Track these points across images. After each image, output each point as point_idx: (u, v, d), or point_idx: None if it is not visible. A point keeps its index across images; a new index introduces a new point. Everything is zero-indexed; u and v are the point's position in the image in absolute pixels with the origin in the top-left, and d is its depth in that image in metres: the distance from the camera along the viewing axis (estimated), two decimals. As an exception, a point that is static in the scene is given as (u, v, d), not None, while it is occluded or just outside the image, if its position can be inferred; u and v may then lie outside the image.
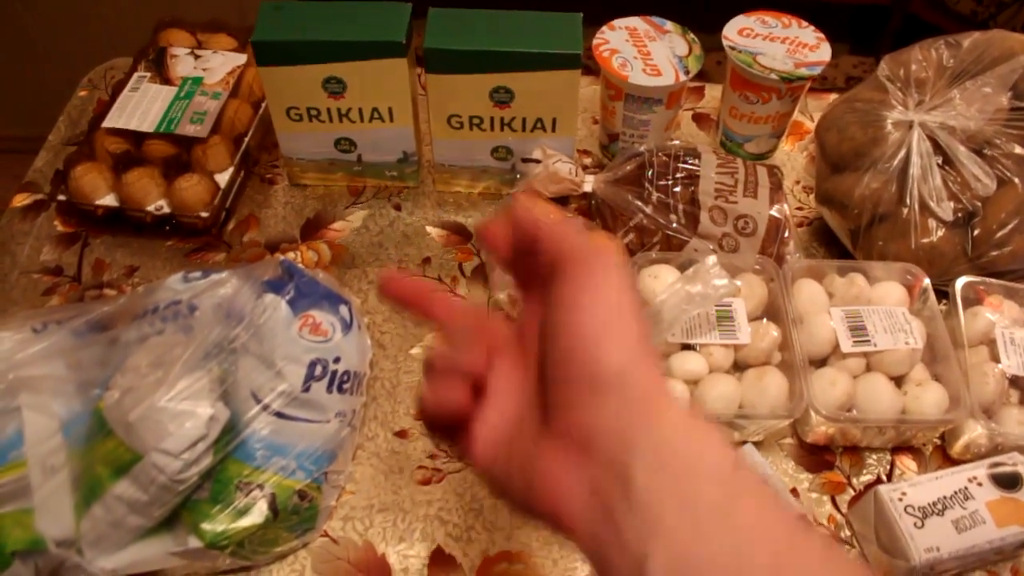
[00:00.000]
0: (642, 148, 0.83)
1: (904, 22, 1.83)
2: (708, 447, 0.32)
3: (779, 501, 0.31)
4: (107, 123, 0.86)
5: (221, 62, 0.91)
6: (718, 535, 0.30)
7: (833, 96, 1.03)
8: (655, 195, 0.80)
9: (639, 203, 0.80)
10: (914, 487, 0.66)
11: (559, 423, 0.35)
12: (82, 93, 1.01)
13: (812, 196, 0.92)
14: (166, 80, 0.90)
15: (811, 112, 1.01)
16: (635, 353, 0.33)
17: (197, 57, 0.92)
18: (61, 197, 0.84)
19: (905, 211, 0.79)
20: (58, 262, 0.85)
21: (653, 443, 0.32)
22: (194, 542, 0.64)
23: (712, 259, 0.69)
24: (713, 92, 1.02)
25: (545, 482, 0.35)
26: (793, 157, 0.97)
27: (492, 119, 0.81)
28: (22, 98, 2.04)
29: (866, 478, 0.73)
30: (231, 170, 0.86)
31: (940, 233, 0.79)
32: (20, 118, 2.03)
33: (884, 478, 0.73)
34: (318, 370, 0.67)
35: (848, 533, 0.70)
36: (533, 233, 0.37)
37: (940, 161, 0.79)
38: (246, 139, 0.88)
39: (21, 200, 0.90)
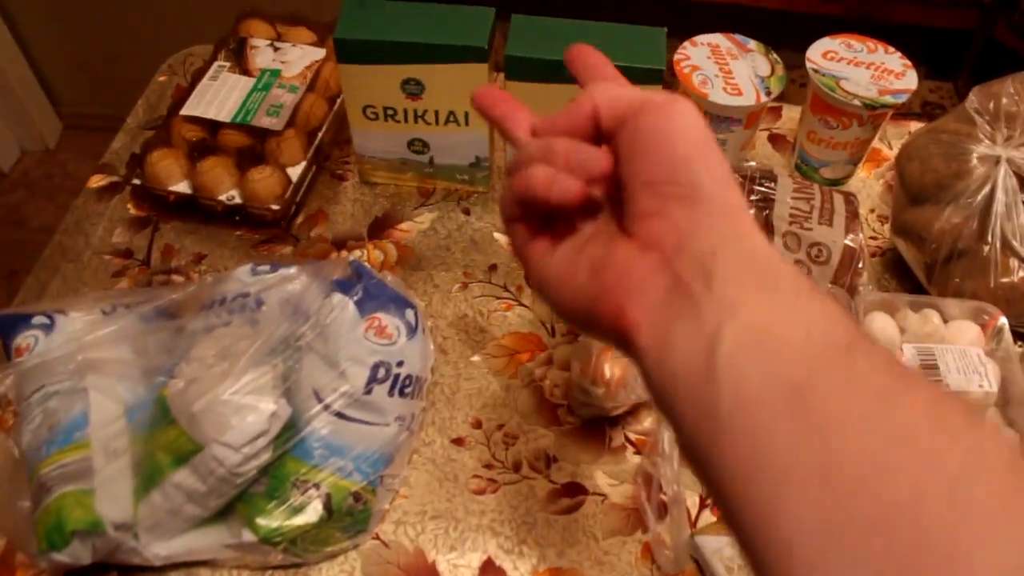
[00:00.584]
0: (717, 167, 0.82)
1: (985, 47, 1.79)
2: (786, 264, 0.35)
3: (847, 313, 0.33)
4: (185, 110, 0.87)
5: (299, 55, 0.92)
6: (793, 316, 0.32)
7: (912, 123, 1.01)
8: (728, 216, 0.78)
9: (711, 223, 0.78)
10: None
11: (647, 229, 0.37)
12: (161, 78, 1.02)
13: (887, 226, 0.90)
14: (245, 71, 0.90)
15: (889, 139, 0.99)
16: (723, 177, 0.36)
17: (276, 49, 0.92)
18: (136, 181, 0.85)
19: (986, 249, 0.77)
20: (129, 245, 0.86)
21: (739, 250, 0.35)
22: (248, 536, 0.64)
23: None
24: (791, 113, 1.00)
25: (619, 280, 0.37)
26: (869, 184, 0.95)
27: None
28: (101, 79, 2.08)
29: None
30: (303, 164, 0.86)
31: (1021, 274, 0.77)
32: (99, 98, 2.08)
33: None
34: (381, 373, 0.67)
35: None
36: (589, 112, 0.39)
37: (1026, 199, 0.76)
38: (320, 134, 0.89)
39: (97, 181, 0.92)
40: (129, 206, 0.89)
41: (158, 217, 0.88)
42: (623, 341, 0.37)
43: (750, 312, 0.32)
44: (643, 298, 0.36)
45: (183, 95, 0.90)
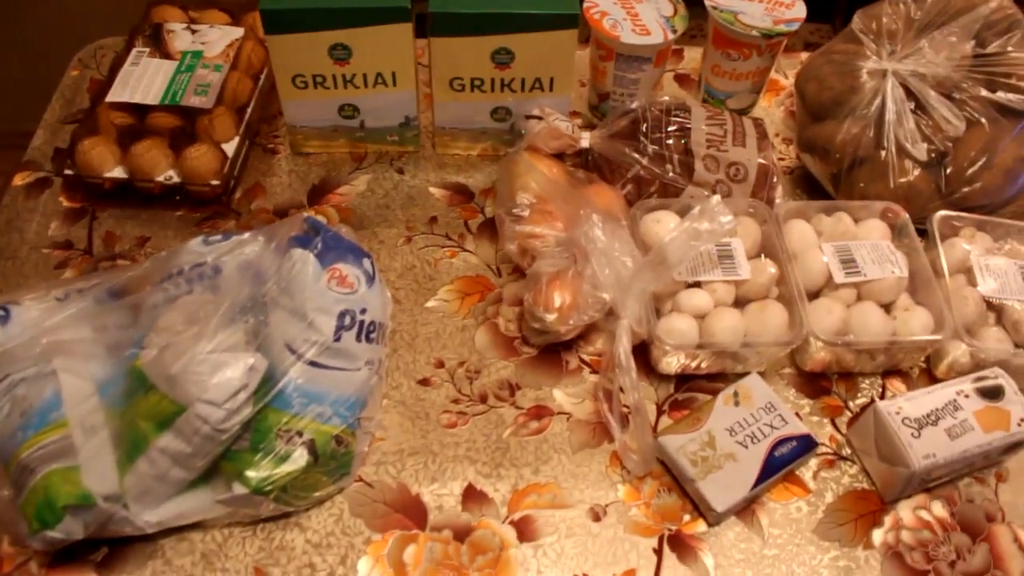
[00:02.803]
0: (634, 104, 0.87)
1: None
2: None
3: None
4: (111, 97, 0.87)
5: (219, 36, 0.93)
6: None
7: (802, 54, 1.09)
8: (650, 147, 0.84)
9: (636, 155, 0.84)
10: (909, 401, 0.71)
11: None
12: (74, 72, 1.01)
13: (791, 147, 0.97)
14: (165, 55, 0.91)
15: (784, 70, 1.06)
16: None
17: (194, 32, 0.93)
18: (68, 172, 0.85)
19: (883, 154, 0.84)
20: (67, 237, 0.86)
21: None
22: (239, 489, 0.65)
23: (716, 198, 0.73)
24: (691, 54, 1.07)
25: None
26: (771, 112, 1.02)
27: (493, 80, 0.85)
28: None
29: (861, 401, 0.78)
30: (237, 140, 0.88)
31: (916, 173, 0.84)
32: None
33: (878, 399, 0.79)
34: (347, 320, 0.70)
35: (848, 451, 0.75)
36: None
37: (913, 106, 0.84)
38: (248, 110, 0.90)
39: (23, 178, 0.91)
40: (61, 199, 0.89)
41: (93, 207, 0.88)
42: None
43: None
44: None
45: (104, 84, 0.90)
